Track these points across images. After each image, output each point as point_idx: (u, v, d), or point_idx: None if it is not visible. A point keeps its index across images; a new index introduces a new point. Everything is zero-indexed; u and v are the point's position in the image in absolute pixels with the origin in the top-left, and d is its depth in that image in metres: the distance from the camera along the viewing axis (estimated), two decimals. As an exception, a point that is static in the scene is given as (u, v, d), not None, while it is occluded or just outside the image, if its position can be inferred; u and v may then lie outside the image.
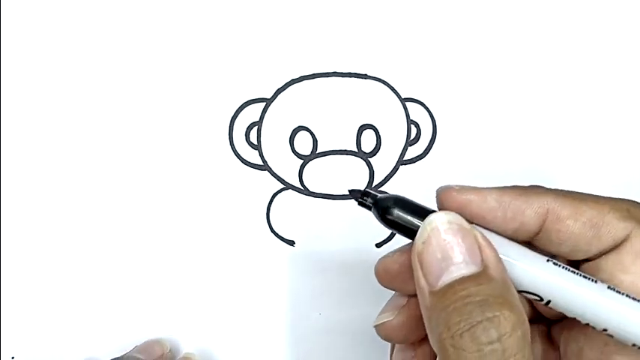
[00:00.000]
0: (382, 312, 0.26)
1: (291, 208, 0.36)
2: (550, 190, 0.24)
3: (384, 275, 0.25)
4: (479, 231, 0.23)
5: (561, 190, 0.24)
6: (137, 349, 0.34)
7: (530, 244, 0.24)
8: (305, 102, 0.36)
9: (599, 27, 0.38)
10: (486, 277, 0.21)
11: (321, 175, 0.36)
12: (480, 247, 0.22)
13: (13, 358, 0.34)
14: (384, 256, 0.25)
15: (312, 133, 0.36)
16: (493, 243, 0.23)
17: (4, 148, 0.35)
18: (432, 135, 0.37)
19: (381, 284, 0.25)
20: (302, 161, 0.36)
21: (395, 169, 0.36)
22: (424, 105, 0.37)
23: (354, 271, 0.36)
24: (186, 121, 0.36)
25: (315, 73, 0.36)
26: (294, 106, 0.36)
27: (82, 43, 0.36)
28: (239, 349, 0.35)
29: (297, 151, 0.36)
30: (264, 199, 0.36)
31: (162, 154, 0.36)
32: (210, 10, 0.37)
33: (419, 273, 0.22)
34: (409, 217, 0.23)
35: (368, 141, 0.36)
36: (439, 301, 0.21)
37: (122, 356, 0.33)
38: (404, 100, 0.37)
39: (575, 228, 0.23)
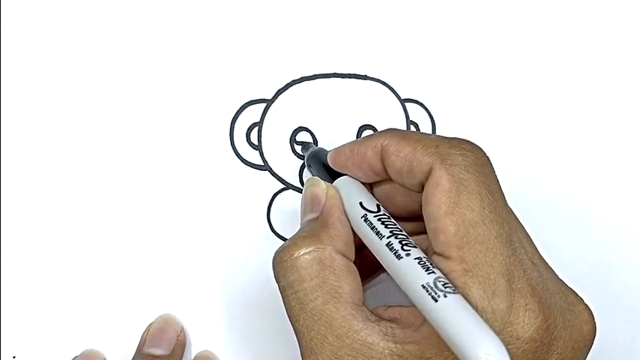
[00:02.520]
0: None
1: (291, 208, 0.36)
2: (389, 130, 0.28)
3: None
4: (335, 185, 0.29)
5: (398, 130, 0.28)
6: (149, 341, 0.33)
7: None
8: (305, 103, 0.37)
9: (599, 28, 0.38)
10: (317, 221, 0.28)
11: (322, 175, 0.36)
12: (327, 199, 0.28)
13: (14, 357, 0.34)
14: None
15: (312, 134, 0.36)
16: (345, 194, 0.29)
17: (4, 148, 0.35)
18: (431, 135, 0.37)
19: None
20: (302, 161, 0.36)
21: (394, 170, 0.37)
22: (423, 105, 0.37)
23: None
24: (188, 121, 0.36)
25: (316, 74, 0.37)
26: (295, 107, 0.36)
27: (83, 43, 0.36)
28: (239, 350, 0.35)
29: (298, 151, 0.36)
30: (265, 199, 0.36)
31: (163, 155, 0.36)
32: (211, 11, 0.37)
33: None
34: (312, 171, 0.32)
35: (368, 141, 0.37)
36: None
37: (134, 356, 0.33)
38: (403, 101, 0.37)
39: (397, 163, 0.27)
